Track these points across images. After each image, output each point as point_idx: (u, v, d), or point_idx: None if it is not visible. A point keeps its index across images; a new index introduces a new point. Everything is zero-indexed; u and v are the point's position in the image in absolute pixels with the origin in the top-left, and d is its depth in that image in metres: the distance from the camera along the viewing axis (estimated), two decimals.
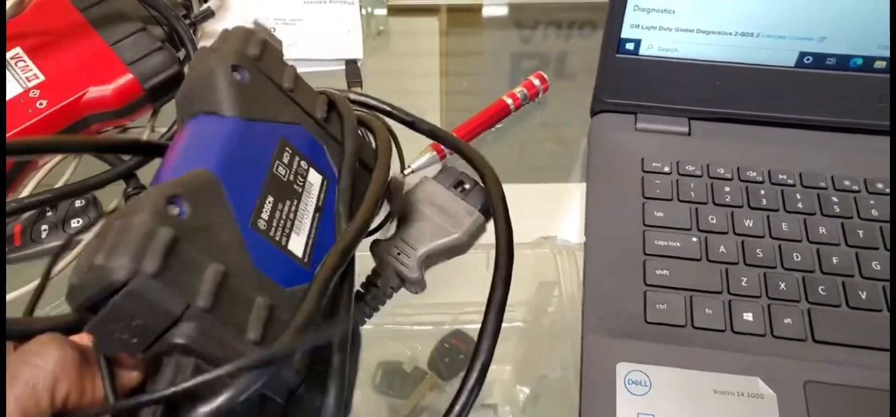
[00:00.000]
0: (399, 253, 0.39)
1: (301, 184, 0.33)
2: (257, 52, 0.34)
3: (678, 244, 0.43)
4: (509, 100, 0.52)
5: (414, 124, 0.43)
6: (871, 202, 0.45)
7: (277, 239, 0.30)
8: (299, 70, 0.38)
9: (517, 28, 0.65)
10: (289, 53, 0.37)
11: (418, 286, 0.40)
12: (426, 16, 0.67)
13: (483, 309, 0.35)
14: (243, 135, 0.31)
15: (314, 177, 0.34)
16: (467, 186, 0.41)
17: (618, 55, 0.48)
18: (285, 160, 0.33)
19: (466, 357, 0.46)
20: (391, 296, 0.39)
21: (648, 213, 0.44)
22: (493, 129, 0.52)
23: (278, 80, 0.35)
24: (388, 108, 0.44)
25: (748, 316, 0.40)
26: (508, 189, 0.39)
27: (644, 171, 0.47)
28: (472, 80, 0.62)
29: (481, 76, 0.63)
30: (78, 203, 0.45)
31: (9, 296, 0.40)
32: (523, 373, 0.46)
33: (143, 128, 0.48)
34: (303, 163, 0.34)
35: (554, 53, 0.64)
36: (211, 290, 0.25)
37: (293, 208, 0.32)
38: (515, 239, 0.37)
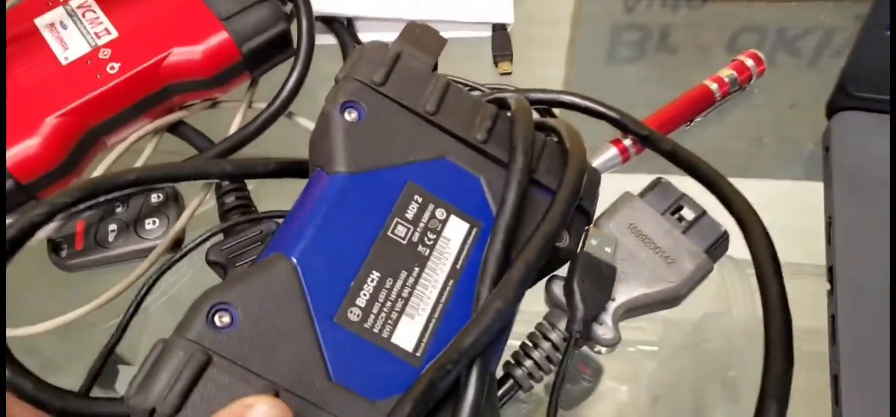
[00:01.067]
0: None
1: (431, 242, 0.26)
2: (382, 76, 0.28)
3: None
4: (714, 86, 0.40)
5: (649, 139, 0.33)
6: None
7: (377, 331, 0.24)
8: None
9: None
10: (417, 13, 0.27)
11: (611, 349, 0.28)
12: None
13: None
14: (347, 196, 0.25)
15: (455, 229, 0.27)
16: (689, 214, 0.30)
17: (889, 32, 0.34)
18: (410, 214, 0.26)
19: (592, 385, 0.39)
20: (568, 367, 0.28)
21: None
22: (689, 126, 0.40)
23: (414, 104, 0.28)
24: (601, 109, 0.33)
25: None
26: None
27: None
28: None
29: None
30: (154, 197, 0.35)
31: (63, 319, 0.31)
32: (661, 407, 0.38)
33: (238, 103, 0.38)
34: (439, 211, 0.27)
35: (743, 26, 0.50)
36: None
37: (411, 282, 0.25)
38: None
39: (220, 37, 0.35)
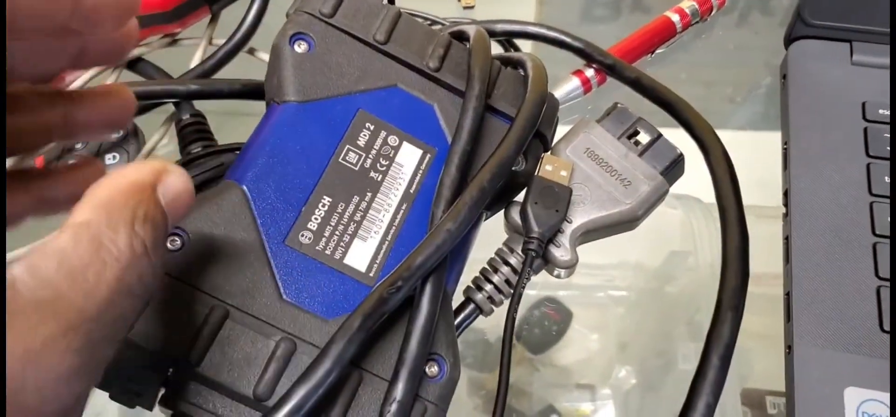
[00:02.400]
0: None
1: (383, 168, 0.26)
2: (331, 8, 0.28)
3: None
4: (675, 17, 0.40)
5: (614, 68, 0.33)
6: None
7: (329, 253, 0.24)
8: None
9: None
10: None
11: (569, 270, 0.29)
12: None
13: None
14: (297, 124, 0.26)
15: (408, 155, 0.27)
16: (645, 137, 0.30)
17: None
18: (362, 141, 0.27)
19: (560, 330, 0.40)
20: (525, 286, 0.28)
21: (876, 179, 0.33)
22: (650, 57, 0.40)
23: (365, 34, 0.28)
24: (566, 39, 0.33)
25: None
26: None
27: (867, 120, 0.35)
28: None
29: None
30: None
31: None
32: (629, 351, 0.39)
33: (198, 40, 0.37)
34: (392, 137, 0.27)
35: None
36: (202, 340, 0.21)
37: (363, 206, 0.26)
38: None
39: None
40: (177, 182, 0.19)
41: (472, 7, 0.42)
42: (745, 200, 0.29)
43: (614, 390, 0.38)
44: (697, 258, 0.41)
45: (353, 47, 0.28)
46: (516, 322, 0.27)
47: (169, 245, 0.22)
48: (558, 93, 0.36)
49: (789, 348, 0.30)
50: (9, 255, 0.30)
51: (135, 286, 0.17)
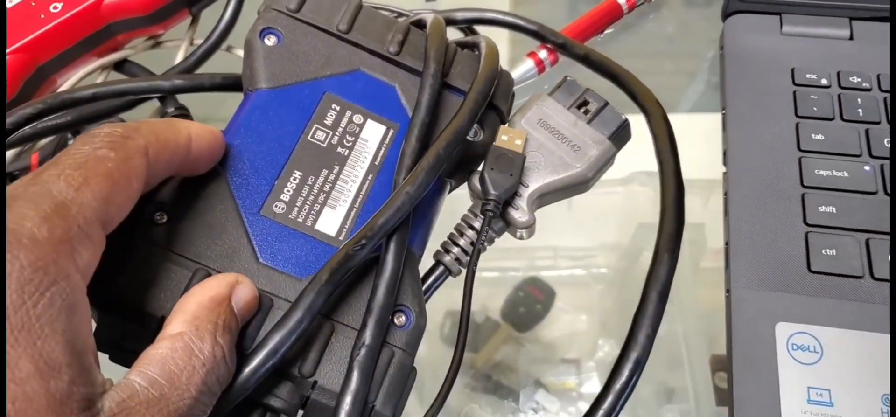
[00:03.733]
0: None
1: (349, 143, 0.29)
2: (297, 3, 0.31)
3: (846, 174, 0.34)
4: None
5: (565, 46, 0.35)
6: None
7: (301, 220, 0.27)
8: None
9: None
10: None
11: (528, 230, 0.32)
12: None
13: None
14: (268, 108, 0.29)
15: (372, 131, 0.29)
16: (593, 106, 0.33)
17: None
18: (329, 121, 0.29)
19: (544, 308, 0.43)
20: (486, 248, 0.31)
21: (804, 136, 0.36)
22: (600, 38, 0.43)
23: (328, 25, 0.31)
24: (520, 23, 0.36)
25: None
26: None
27: (796, 84, 0.38)
28: None
29: None
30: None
31: None
32: (611, 326, 0.41)
33: (180, 40, 0.40)
34: (356, 116, 0.30)
35: None
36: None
37: (332, 178, 0.28)
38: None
39: None
40: (246, 292, 0.23)
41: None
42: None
43: (598, 363, 0.40)
44: None
45: (318, 37, 0.31)
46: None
47: (156, 219, 0.25)
48: (515, 73, 0.39)
49: (728, 291, 0.33)
50: None
51: (214, 386, 0.21)
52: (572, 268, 0.44)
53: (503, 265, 0.43)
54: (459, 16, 0.38)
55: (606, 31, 0.43)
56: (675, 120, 0.33)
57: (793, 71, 0.38)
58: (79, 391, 0.17)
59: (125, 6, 0.37)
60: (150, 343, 0.21)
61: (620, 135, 0.33)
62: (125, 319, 0.23)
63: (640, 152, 0.33)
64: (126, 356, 0.24)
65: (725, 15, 0.41)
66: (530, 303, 0.42)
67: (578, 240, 0.43)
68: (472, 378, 0.41)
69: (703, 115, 0.46)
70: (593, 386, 0.39)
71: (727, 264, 0.33)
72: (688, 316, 0.40)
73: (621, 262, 0.44)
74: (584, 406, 0.25)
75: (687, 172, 0.31)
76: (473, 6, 0.38)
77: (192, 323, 0.21)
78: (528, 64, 0.39)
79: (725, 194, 0.35)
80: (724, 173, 0.36)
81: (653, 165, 0.34)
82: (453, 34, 0.39)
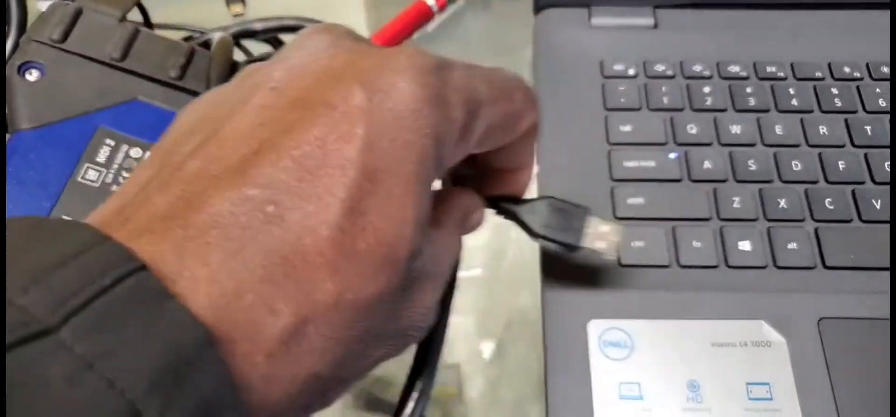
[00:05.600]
0: None
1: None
2: (61, 33, 0.29)
3: (652, 163, 0.35)
4: (431, 0, 0.42)
5: None
6: (877, 90, 0.37)
7: None
8: None
9: None
10: None
11: None
12: None
13: None
14: (31, 150, 0.27)
15: None
16: None
17: None
18: (102, 157, 0.28)
19: None
20: None
21: (613, 129, 0.36)
22: (414, 37, 0.42)
23: (100, 54, 0.30)
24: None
25: (745, 246, 0.32)
26: None
27: (604, 77, 0.38)
28: None
29: None
30: None
31: None
32: (487, 325, 0.41)
33: None
34: (134, 149, 0.28)
35: None
36: None
37: None
38: None
39: None
40: None
41: (241, 14, 0.43)
42: None
43: (478, 365, 0.39)
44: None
45: (89, 68, 0.29)
46: None
47: None
48: None
49: (541, 293, 0.32)
50: None
51: None
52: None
53: None
54: (259, 26, 0.37)
55: (414, 36, 0.42)
56: None
57: (602, 63, 0.38)
58: None
59: None
60: None
61: None
62: None
63: None
64: None
65: (537, 9, 0.41)
66: None
67: None
68: (350, 396, 0.39)
69: None
70: (474, 388, 0.38)
71: (541, 266, 0.33)
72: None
73: (492, 261, 0.43)
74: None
75: None
76: (274, 14, 0.37)
77: None
78: None
79: (538, 193, 0.35)
80: (537, 173, 0.36)
81: None
82: (258, 48, 0.38)
